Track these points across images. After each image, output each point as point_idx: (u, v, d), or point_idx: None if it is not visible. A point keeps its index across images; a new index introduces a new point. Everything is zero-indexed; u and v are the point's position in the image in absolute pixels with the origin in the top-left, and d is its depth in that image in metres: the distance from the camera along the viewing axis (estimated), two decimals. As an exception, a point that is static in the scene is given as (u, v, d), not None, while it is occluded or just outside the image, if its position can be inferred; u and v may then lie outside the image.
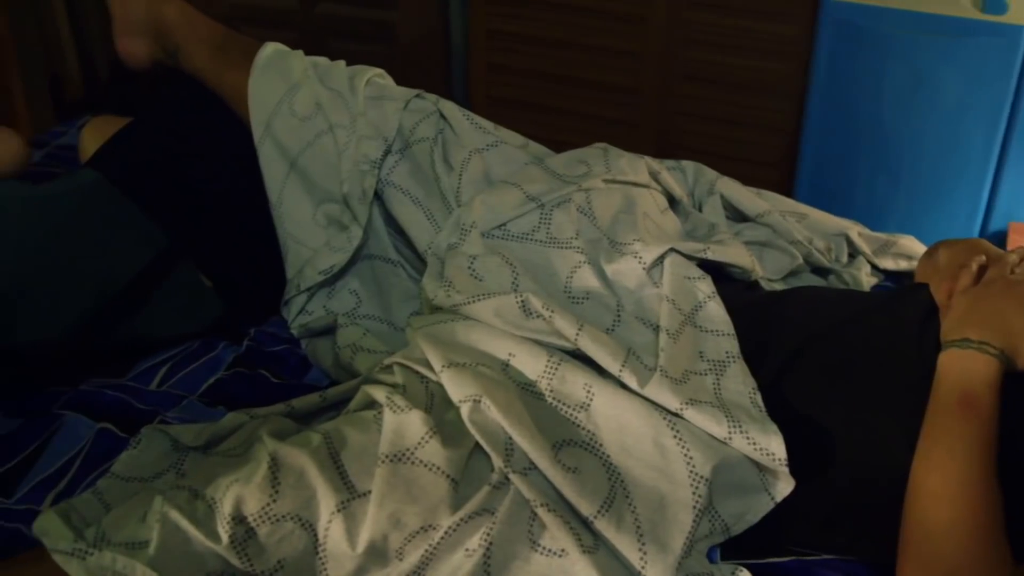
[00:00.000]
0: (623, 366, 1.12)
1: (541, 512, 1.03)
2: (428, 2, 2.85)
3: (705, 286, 1.25)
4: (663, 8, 2.45)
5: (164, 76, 1.77)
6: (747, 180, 1.64)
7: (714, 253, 1.32)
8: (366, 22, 2.99)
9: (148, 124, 1.65)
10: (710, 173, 1.60)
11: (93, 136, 1.83)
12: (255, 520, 1.00)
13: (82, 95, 3.50)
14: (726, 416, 1.08)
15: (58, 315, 1.37)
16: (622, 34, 2.52)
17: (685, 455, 1.07)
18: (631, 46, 2.52)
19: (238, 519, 0.99)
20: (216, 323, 1.52)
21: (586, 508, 1.03)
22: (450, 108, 1.49)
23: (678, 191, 1.52)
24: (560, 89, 2.67)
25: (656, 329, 1.21)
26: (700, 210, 1.56)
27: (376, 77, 1.54)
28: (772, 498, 1.09)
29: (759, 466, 1.09)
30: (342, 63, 1.57)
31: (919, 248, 1.60)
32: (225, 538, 0.99)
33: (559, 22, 2.58)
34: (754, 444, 1.06)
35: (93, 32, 3.45)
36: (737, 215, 1.57)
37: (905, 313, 1.22)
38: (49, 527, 1.02)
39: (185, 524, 0.99)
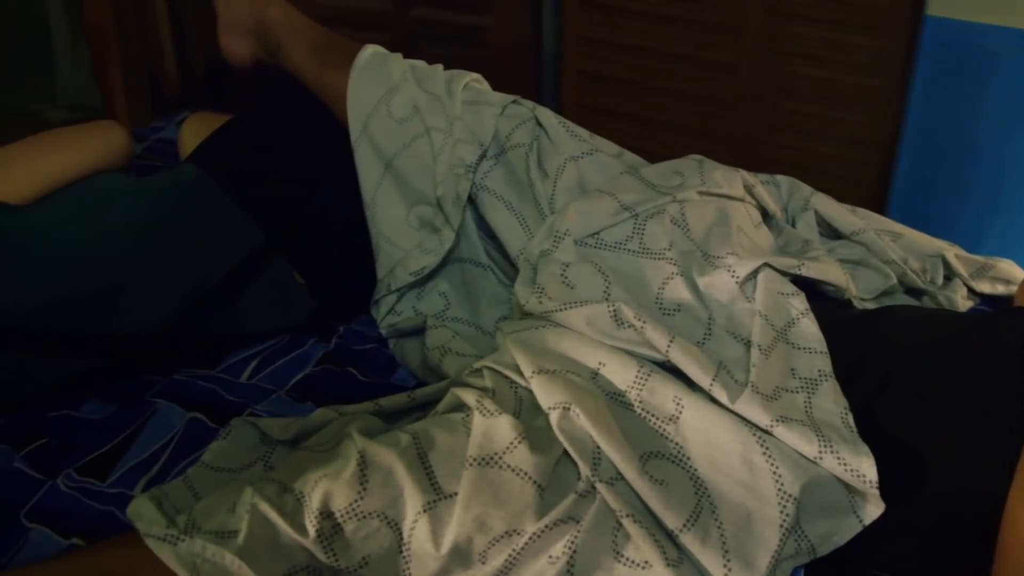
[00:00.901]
0: (713, 380, 1.11)
1: (626, 523, 1.02)
2: (521, 8, 2.86)
3: (799, 303, 1.24)
4: (759, 20, 2.42)
5: (260, 74, 1.81)
6: (839, 197, 1.62)
7: (808, 270, 1.31)
8: (458, 26, 3.01)
9: (248, 122, 1.69)
10: (805, 188, 1.58)
11: (192, 132, 1.87)
12: (342, 516, 1.01)
13: (178, 91, 3.58)
14: (817, 435, 1.06)
15: (156, 305, 1.40)
16: (717, 45, 2.50)
17: (774, 472, 1.05)
18: (725, 57, 2.50)
19: (326, 514, 1.00)
20: (306, 320, 1.54)
21: (672, 521, 1.03)
22: (546, 115, 1.49)
23: (772, 206, 1.51)
24: (651, 99, 2.65)
25: (747, 344, 1.20)
26: (793, 226, 1.54)
27: (473, 82, 1.55)
28: (860, 520, 1.07)
29: (848, 487, 1.07)
30: (440, 67, 1.58)
31: (1018, 273, 1.57)
32: (312, 532, 1.00)
33: (653, 31, 2.57)
34: (845, 465, 1.04)
35: (191, 30, 3.53)
36: (831, 232, 1.55)
37: (1003, 337, 1.18)
38: (143, 512, 1.04)
39: (274, 516, 1.00)
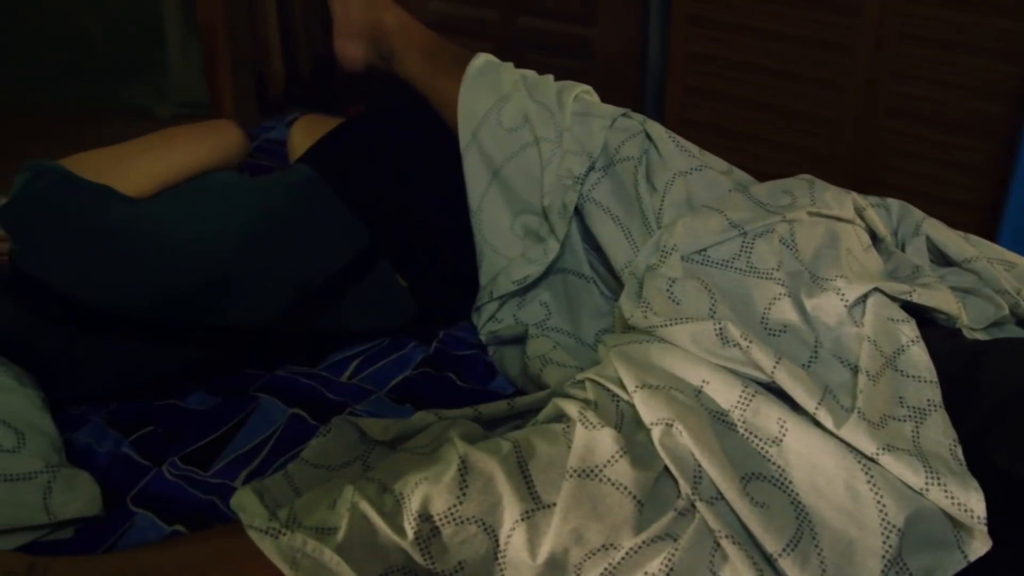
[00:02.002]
0: (819, 404, 1.10)
1: (725, 544, 1.01)
2: (628, 20, 2.86)
3: (909, 329, 1.21)
4: (871, 39, 2.38)
5: (366, 78, 1.83)
6: (950, 223, 1.58)
7: (920, 296, 1.28)
8: (565, 37, 3.01)
9: (359, 126, 1.71)
10: (916, 213, 1.55)
11: (302, 133, 1.91)
12: (440, 520, 1.01)
13: (283, 91, 3.65)
14: (924, 466, 1.04)
15: (265, 301, 1.43)
16: (826, 63, 2.47)
17: (878, 502, 1.03)
18: (835, 76, 2.46)
19: (424, 517, 1.01)
20: (408, 323, 1.55)
21: (771, 545, 1.01)
22: (656, 129, 1.49)
23: (882, 229, 1.48)
24: (757, 116, 2.63)
25: (854, 369, 1.17)
26: (903, 250, 1.51)
27: (584, 93, 1.55)
28: (965, 556, 1.04)
29: (954, 521, 1.04)
30: (550, 77, 1.59)
31: None
32: (410, 534, 1.01)
33: (762, 48, 2.54)
34: (952, 498, 1.02)
35: (299, 32, 3.60)
36: (941, 259, 1.51)
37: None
38: (246, 503, 1.07)
39: (373, 516, 1.01)
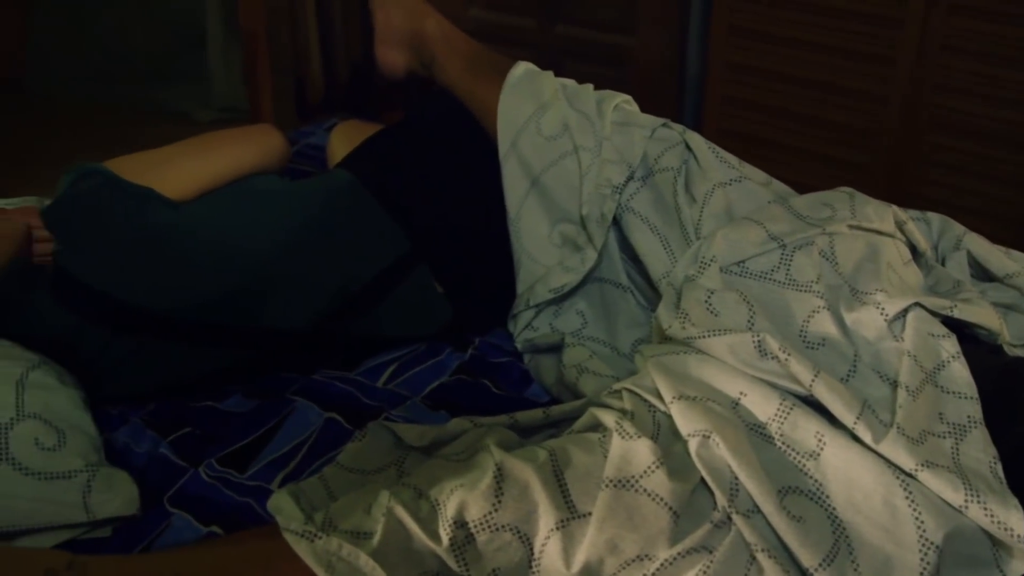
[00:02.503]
0: (858, 418, 1.09)
1: (761, 557, 1.01)
2: (667, 30, 2.85)
3: (950, 345, 1.20)
4: (913, 51, 2.37)
5: (403, 84, 1.84)
6: (988, 237, 1.57)
7: (961, 312, 1.27)
8: (602, 45, 3.02)
9: (398, 132, 1.72)
10: (957, 227, 1.53)
11: (341, 139, 1.93)
12: (476, 526, 1.01)
13: (321, 97, 3.68)
14: (963, 483, 1.03)
15: (304, 305, 1.44)
16: (868, 75, 2.45)
17: (916, 518, 1.02)
18: (876, 88, 2.45)
19: (460, 523, 1.01)
20: (444, 329, 1.56)
21: (807, 559, 1.01)
22: (696, 140, 1.48)
23: (922, 243, 1.47)
24: (795, 127, 2.61)
25: (893, 384, 1.17)
26: (943, 265, 1.50)
27: (624, 103, 1.56)
28: (1003, 575, 1.04)
29: (993, 540, 1.03)
30: (590, 86, 1.59)
31: None
32: (445, 540, 1.01)
33: (802, 59, 2.53)
34: (992, 516, 1.01)
35: (338, 38, 3.63)
36: (982, 274, 1.50)
37: None
38: (283, 506, 1.07)
39: (409, 521, 1.01)
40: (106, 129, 3.79)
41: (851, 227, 1.35)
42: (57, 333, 1.35)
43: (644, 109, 1.60)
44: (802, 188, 1.52)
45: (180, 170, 1.52)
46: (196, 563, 1.09)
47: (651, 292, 1.45)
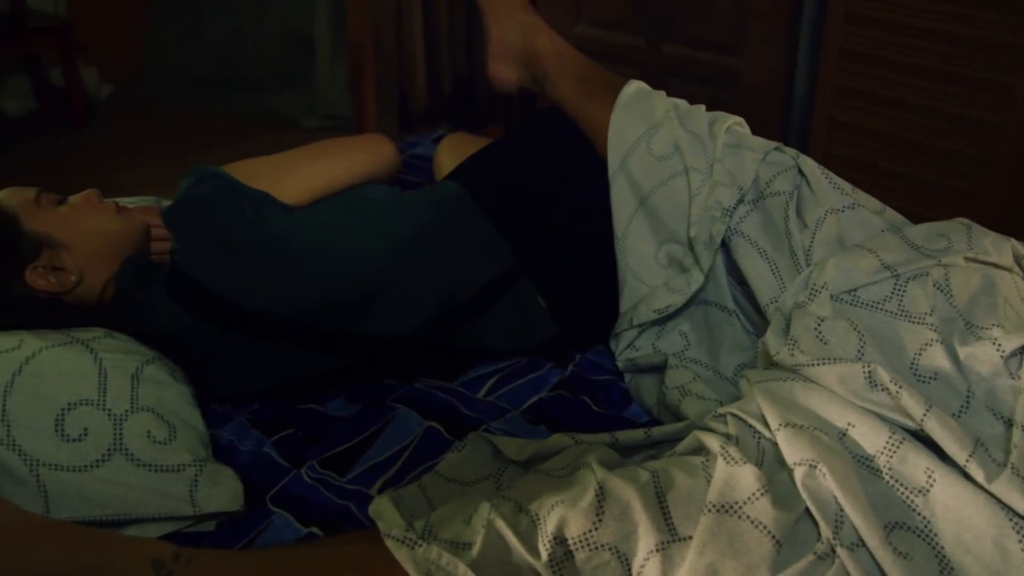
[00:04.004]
0: (970, 456, 1.06)
1: (865, 592, 0.99)
2: (776, 52, 2.83)
3: (1069, 386, 1.17)
4: (1033, 80, 2.30)
5: (506, 99, 1.86)
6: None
7: (1081, 352, 1.23)
8: (709, 65, 3.00)
9: (507, 146, 1.73)
10: (1079, 265, 1.49)
11: (449, 150, 1.95)
12: (575, 544, 1.01)
13: (425, 108, 3.72)
14: (1080, 530, 1.00)
15: (410, 314, 1.45)
16: (981, 103, 2.39)
17: (1028, 562, 1.00)
18: (990, 116, 2.38)
19: (559, 539, 1.01)
20: (545, 344, 1.56)
21: (913, 597, 0.99)
22: (809, 165, 1.47)
23: (1040, 279, 1.43)
24: (904, 154, 2.56)
25: (1008, 423, 1.13)
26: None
27: (736, 125, 1.54)
28: (1117, 625, 1.00)
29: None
30: (702, 107, 1.58)
31: None
32: (544, 555, 1.01)
33: (914, 85, 2.48)
34: (1108, 566, 0.98)
35: (443, 52, 3.67)
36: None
37: None
38: (384, 512, 1.08)
39: (508, 534, 1.02)
40: (217, 132, 3.90)
41: (967, 259, 1.32)
42: (170, 330, 1.39)
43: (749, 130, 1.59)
44: (913, 218, 1.49)
45: (296, 176, 1.56)
46: (296, 563, 1.11)
47: (757, 317, 1.43)
